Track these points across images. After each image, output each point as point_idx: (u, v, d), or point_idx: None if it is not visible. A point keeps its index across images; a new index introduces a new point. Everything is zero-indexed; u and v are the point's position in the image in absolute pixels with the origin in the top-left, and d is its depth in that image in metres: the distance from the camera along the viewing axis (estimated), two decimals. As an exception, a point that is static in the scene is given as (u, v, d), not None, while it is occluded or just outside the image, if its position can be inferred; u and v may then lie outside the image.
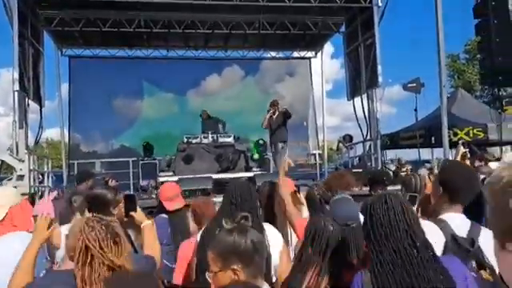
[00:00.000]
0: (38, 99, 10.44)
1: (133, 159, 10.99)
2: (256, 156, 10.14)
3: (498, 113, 9.94)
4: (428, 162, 11.79)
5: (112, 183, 6.18)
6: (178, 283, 2.61)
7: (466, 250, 1.83)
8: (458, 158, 2.97)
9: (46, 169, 10.22)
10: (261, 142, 10.36)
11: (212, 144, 10.02)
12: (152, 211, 3.71)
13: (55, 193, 3.06)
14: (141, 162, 10.19)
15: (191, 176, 8.58)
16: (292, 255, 2.62)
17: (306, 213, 3.04)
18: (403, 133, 12.79)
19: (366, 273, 1.58)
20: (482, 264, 1.78)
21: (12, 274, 1.95)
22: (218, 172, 9.33)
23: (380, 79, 10.66)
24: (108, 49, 14.12)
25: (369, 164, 10.99)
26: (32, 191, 8.54)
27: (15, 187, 6.54)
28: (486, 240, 1.80)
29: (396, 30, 60.99)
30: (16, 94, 8.90)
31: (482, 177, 2.84)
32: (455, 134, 10.41)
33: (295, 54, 15.76)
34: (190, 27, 12.35)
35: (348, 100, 12.77)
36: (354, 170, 9.26)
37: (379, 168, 10.26)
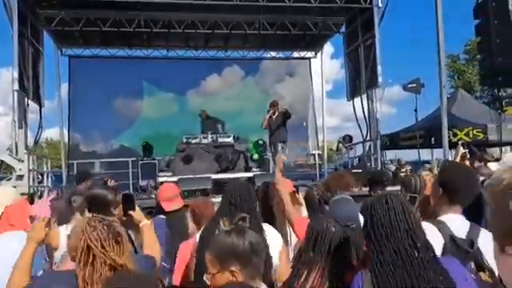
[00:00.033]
0: (38, 99, 10.43)
1: (132, 159, 10.97)
2: (255, 156, 10.13)
3: (497, 113, 9.95)
4: (428, 162, 11.79)
5: (111, 183, 6.17)
6: (177, 284, 2.60)
7: (465, 251, 1.83)
8: (458, 159, 2.96)
9: (45, 169, 10.22)
10: (260, 142, 10.35)
11: (211, 144, 10.01)
12: (151, 211, 3.70)
13: (52, 195, 3.07)
14: (140, 162, 10.17)
15: (190, 176, 8.57)
16: (291, 255, 2.62)
17: (304, 213, 3.04)
18: (403, 133, 12.80)
19: (366, 273, 1.58)
20: (481, 266, 1.77)
21: (10, 273, 1.95)
22: (218, 172, 9.32)
23: (380, 79, 10.66)
24: (108, 49, 14.11)
25: (368, 164, 10.99)
26: (31, 191, 8.53)
27: (15, 187, 6.54)
28: (486, 241, 1.79)
29: (396, 30, 61.03)
30: (15, 93, 8.90)
31: (481, 178, 2.82)
32: (455, 135, 10.41)
33: (295, 55, 15.76)
34: (190, 27, 12.35)
35: (348, 100, 12.77)
36: (354, 171, 9.26)
37: (379, 168, 10.25)
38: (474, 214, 2.00)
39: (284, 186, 2.85)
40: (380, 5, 10.65)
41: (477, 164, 5.67)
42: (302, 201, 3.02)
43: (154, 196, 7.01)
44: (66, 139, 13.77)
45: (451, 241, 1.86)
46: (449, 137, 9.39)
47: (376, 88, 10.99)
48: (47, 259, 3.32)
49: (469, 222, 1.97)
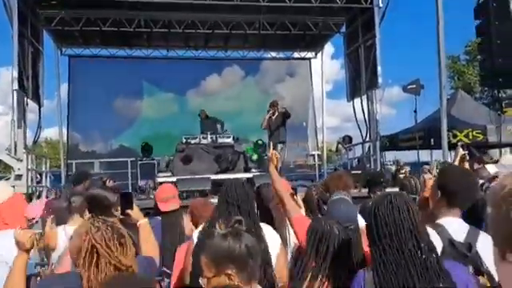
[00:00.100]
0: (37, 98, 10.43)
1: (131, 159, 10.96)
2: (255, 157, 10.11)
3: (497, 114, 9.94)
4: (427, 163, 11.77)
5: (109, 183, 6.15)
6: (175, 286, 2.58)
7: (464, 254, 1.81)
8: (457, 160, 2.94)
9: (44, 168, 10.21)
10: (260, 142, 10.34)
11: (211, 144, 9.99)
12: (149, 212, 3.68)
13: (51, 196, 3.05)
14: (139, 162, 10.16)
15: (190, 177, 8.55)
16: (289, 256, 2.60)
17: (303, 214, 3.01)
18: (402, 134, 12.76)
19: (368, 271, 1.57)
20: (480, 270, 1.76)
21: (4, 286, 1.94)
22: (217, 173, 9.30)
23: (380, 80, 10.66)
24: (108, 48, 14.09)
25: (368, 166, 10.98)
26: (30, 191, 8.52)
27: (13, 187, 6.53)
28: (484, 245, 1.79)
29: (396, 30, 61.03)
30: (15, 93, 8.90)
31: (480, 181, 2.81)
32: (454, 136, 10.38)
33: (295, 55, 15.75)
34: (190, 27, 12.34)
35: (348, 101, 12.76)
36: (353, 172, 9.25)
37: (378, 170, 10.24)
38: (474, 218, 1.99)
39: (281, 186, 2.82)
40: (380, 5, 10.64)
41: (476, 166, 5.65)
42: (301, 202, 3.00)
43: (152, 197, 7.00)
44: (66, 139, 13.75)
45: (450, 244, 1.85)
46: (448, 138, 9.37)
47: (376, 89, 10.99)
48: (44, 259, 3.31)
49: (468, 226, 1.96)
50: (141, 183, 9.63)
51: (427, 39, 30.28)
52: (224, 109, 13.68)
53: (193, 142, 9.96)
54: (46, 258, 3.25)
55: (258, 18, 11.95)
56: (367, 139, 11.54)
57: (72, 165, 12.25)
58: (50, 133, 31.10)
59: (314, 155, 13.49)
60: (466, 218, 2.01)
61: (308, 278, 1.78)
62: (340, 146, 13.10)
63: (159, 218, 3.32)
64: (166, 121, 14.48)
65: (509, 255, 0.79)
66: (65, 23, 11.43)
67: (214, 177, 8.61)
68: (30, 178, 8.90)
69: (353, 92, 12.45)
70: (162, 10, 11.30)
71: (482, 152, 9.59)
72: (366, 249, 1.78)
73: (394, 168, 11.14)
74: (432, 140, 10.49)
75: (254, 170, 9.64)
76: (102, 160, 12.49)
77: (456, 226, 1.94)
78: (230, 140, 10.18)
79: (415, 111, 9.53)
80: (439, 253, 1.81)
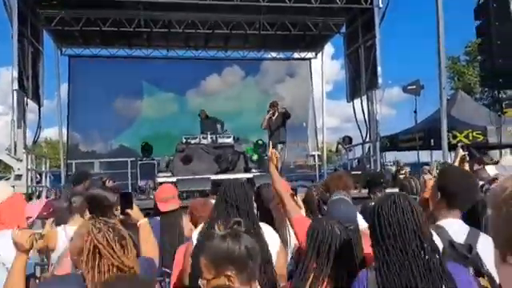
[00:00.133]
0: (37, 98, 10.43)
1: (131, 159, 10.95)
2: (255, 157, 10.11)
3: (497, 115, 9.93)
4: (427, 164, 11.77)
5: (109, 184, 6.14)
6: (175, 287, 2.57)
7: (464, 256, 1.81)
8: (457, 161, 2.94)
9: (43, 168, 10.20)
10: (260, 142, 10.34)
11: (211, 145, 9.99)
12: (149, 213, 3.67)
13: (51, 196, 3.05)
14: (139, 162, 10.15)
15: (190, 177, 8.54)
16: (289, 256, 2.59)
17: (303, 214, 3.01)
18: (402, 135, 12.77)
19: (371, 271, 1.56)
20: (480, 271, 1.76)
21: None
22: (217, 173, 9.29)
23: (380, 81, 10.66)
24: (108, 48, 14.08)
25: (368, 166, 10.97)
26: (29, 191, 8.52)
27: (13, 187, 6.52)
28: (485, 246, 1.79)
29: (396, 30, 61.04)
30: (15, 93, 8.90)
31: (481, 183, 2.81)
32: (454, 137, 10.38)
33: (295, 55, 15.75)
34: (190, 27, 12.33)
35: (348, 102, 12.76)
36: (353, 172, 9.24)
37: (378, 170, 10.24)
38: (473, 219, 1.98)
39: (281, 186, 2.81)
40: (381, 5, 10.64)
41: (476, 167, 5.64)
42: (301, 203, 2.99)
43: (152, 197, 6.99)
44: (65, 139, 13.74)
45: (450, 246, 1.84)
46: (448, 139, 9.37)
47: (376, 89, 10.99)
48: (44, 260, 3.30)
49: (468, 227, 1.95)
50: (141, 183, 9.62)
51: (427, 39, 30.36)
52: (224, 109, 13.67)
53: (193, 142, 9.95)
54: (46, 258, 3.24)
55: (258, 18, 11.95)
56: (367, 140, 11.54)
57: (72, 165, 12.24)
58: (50, 133, 31.13)
59: (314, 156, 13.49)
60: (466, 219, 2.00)
61: (310, 279, 1.77)
62: (340, 146, 13.10)
63: (158, 218, 3.32)
64: (166, 121, 14.47)
65: (510, 257, 0.79)
66: (65, 23, 11.42)
67: (214, 177, 8.60)
68: (29, 178, 8.89)
69: (353, 92, 12.44)
70: (162, 10, 11.30)
71: (482, 153, 9.59)
72: (367, 249, 1.78)
73: (394, 169, 11.12)
74: (432, 141, 10.49)
75: (254, 171, 9.63)
76: (101, 160, 12.49)
77: (456, 227, 1.94)
78: (230, 140, 10.17)
79: (415, 112, 9.54)
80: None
